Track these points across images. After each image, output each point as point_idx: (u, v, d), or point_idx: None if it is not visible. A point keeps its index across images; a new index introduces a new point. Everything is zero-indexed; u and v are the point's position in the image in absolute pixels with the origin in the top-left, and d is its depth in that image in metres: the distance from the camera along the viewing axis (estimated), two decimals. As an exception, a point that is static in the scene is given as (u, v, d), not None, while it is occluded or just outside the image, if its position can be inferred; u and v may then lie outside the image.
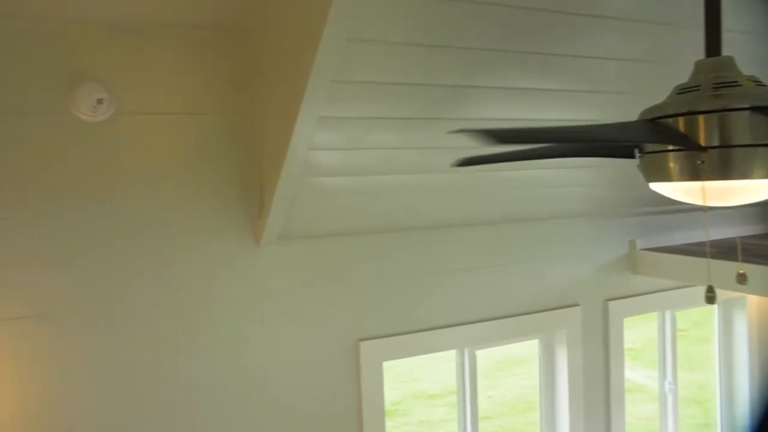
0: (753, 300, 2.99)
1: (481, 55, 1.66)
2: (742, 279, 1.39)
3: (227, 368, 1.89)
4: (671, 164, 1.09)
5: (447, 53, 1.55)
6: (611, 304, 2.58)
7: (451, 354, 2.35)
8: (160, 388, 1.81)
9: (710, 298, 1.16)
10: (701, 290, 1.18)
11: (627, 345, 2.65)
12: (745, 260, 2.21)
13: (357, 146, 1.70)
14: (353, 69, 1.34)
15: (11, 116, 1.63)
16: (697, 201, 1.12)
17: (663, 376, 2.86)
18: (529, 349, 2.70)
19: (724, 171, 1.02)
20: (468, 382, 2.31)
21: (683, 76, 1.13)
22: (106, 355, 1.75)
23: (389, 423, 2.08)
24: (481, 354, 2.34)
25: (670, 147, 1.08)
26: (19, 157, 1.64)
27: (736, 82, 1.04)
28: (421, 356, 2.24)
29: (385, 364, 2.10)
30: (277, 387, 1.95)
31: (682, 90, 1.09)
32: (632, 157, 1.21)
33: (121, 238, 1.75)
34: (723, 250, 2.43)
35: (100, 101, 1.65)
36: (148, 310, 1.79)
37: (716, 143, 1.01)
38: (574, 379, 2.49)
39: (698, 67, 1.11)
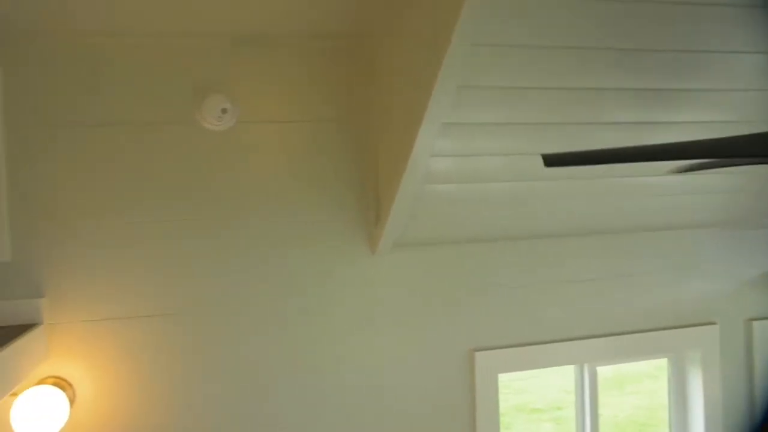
0: None
1: (610, 56, 1.58)
2: None
3: (339, 373, 1.92)
4: None
5: (575, 54, 1.48)
6: (756, 324, 2.36)
7: (558, 368, 2.26)
8: (271, 390, 1.88)
9: None
10: None
11: (773, 369, 2.42)
12: None
13: (476, 152, 1.67)
14: (478, 73, 1.32)
15: (147, 127, 1.77)
16: None
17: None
18: (644, 366, 2.53)
19: None
20: (588, 400, 2.20)
21: None
22: (223, 354, 1.84)
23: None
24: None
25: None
26: (153, 164, 1.78)
27: None
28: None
29: (501, 376, 2.05)
30: (389, 394, 1.96)
31: None
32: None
33: (242, 242, 1.84)
34: None
35: (224, 111, 1.74)
36: (265, 313, 1.86)
37: None
38: (711, 404, 2.29)
39: None
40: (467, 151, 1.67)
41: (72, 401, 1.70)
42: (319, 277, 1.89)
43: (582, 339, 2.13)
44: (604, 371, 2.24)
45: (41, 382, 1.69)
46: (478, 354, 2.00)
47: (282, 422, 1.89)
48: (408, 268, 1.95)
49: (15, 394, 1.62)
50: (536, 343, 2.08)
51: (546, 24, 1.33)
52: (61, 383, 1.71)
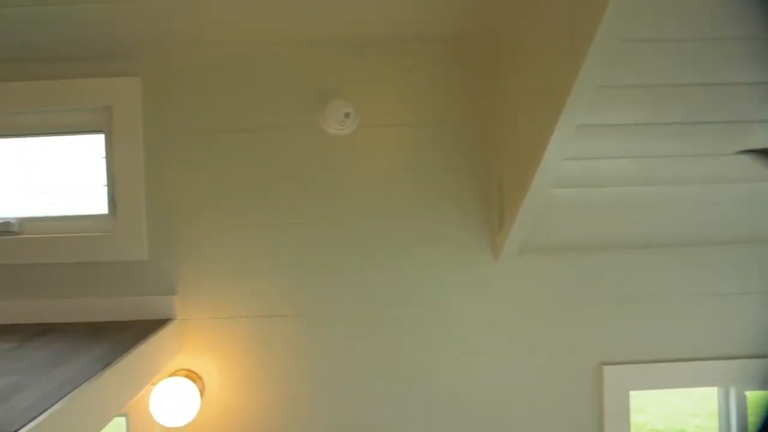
0: None
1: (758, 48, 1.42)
2: None
3: (459, 380, 1.90)
4: None
5: (728, 47, 1.35)
6: None
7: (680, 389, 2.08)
8: (387, 396, 1.89)
9: None
10: None
11: None
12: None
13: (609, 155, 1.57)
14: (620, 72, 1.24)
15: (274, 132, 1.85)
16: None
17: None
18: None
19: None
20: (735, 428, 2.01)
21: None
22: (341, 356, 1.88)
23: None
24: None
25: None
26: (280, 168, 1.86)
27: None
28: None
29: (632, 393, 1.92)
30: (509, 408, 1.91)
31: None
32: None
33: (364, 246, 1.87)
34: None
35: (346, 115, 1.77)
36: (385, 317, 1.88)
37: None
38: None
39: None
40: (599, 153, 1.58)
41: (202, 392, 1.81)
42: (440, 282, 1.88)
43: (729, 359, 1.95)
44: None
45: (174, 373, 1.82)
46: (607, 368, 1.89)
47: (393, 429, 1.90)
48: (532, 276, 1.88)
49: (152, 384, 1.75)
50: (674, 359, 1.94)
51: (699, 15, 1.22)
52: (192, 375, 1.83)
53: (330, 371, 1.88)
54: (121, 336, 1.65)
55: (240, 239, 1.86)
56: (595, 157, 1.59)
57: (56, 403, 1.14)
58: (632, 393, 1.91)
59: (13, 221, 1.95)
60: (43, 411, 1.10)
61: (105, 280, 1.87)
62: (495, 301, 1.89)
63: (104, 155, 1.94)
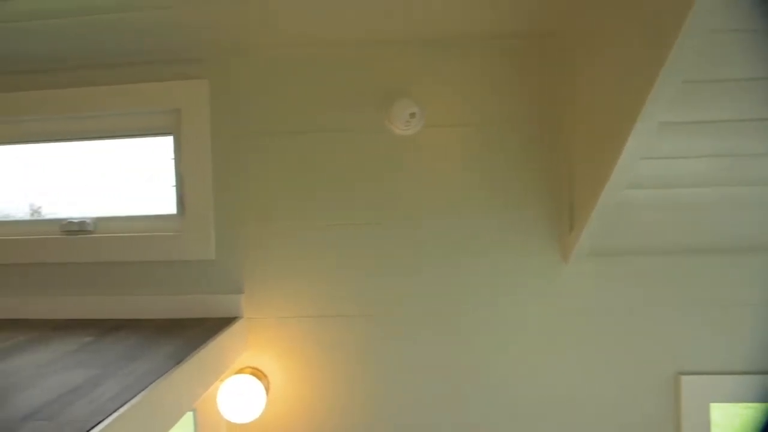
0: None
1: None
2: None
3: (524, 390, 1.87)
4: None
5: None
6: None
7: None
8: (452, 400, 1.88)
9: None
10: None
11: None
12: None
13: (690, 154, 1.52)
14: (708, 65, 1.20)
15: (340, 133, 1.87)
16: None
17: None
18: None
19: None
20: (825, 444, 1.90)
21: None
22: (407, 357, 1.88)
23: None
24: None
25: None
26: (345, 168, 1.88)
27: None
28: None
29: (713, 406, 1.85)
30: (579, 415, 1.86)
31: None
32: None
33: (429, 247, 1.87)
34: None
35: (412, 115, 1.78)
36: (451, 319, 1.87)
37: None
38: None
39: None
40: (678, 152, 1.53)
41: (267, 390, 1.85)
42: (507, 285, 1.86)
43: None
44: None
45: (240, 371, 1.87)
46: (685, 378, 1.82)
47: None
48: (604, 280, 1.83)
49: (219, 381, 1.81)
50: (758, 372, 1.85)
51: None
52: (258, 373, 1.87)
53: (394, 373, 1.89)
54: (191, 333, 1.71)
55: (305, 239, 1.89)
56: (674, 157, 1.54)
57: (135, 396, 1.19)
58: (713, 405, 1.84)
59: (88, 221, 2.05)
60: (124, 403, 1.15)
61: (175, 279, 1.94)
62: (564, 306, 1.85)
63: (173, 157, 2.02)
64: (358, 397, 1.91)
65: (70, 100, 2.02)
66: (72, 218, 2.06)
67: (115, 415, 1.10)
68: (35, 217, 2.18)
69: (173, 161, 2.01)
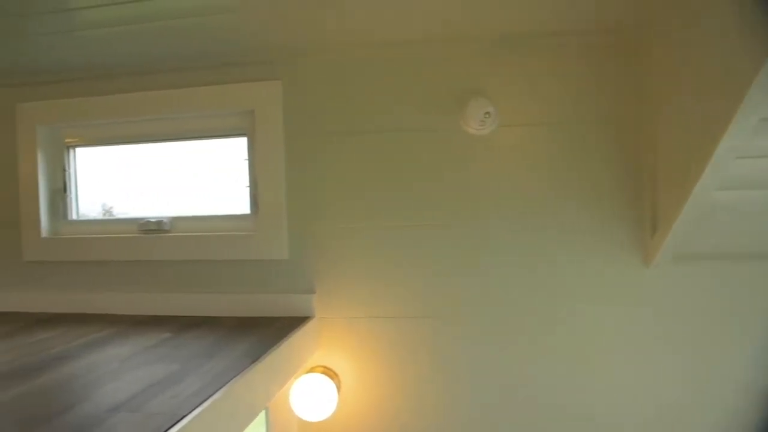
0: None
1: None
2: None
3: (599, 397, 1.81)
4: None
5: None
6: None
7: None
8: (522, 402, 1.84)
9: None
10: None
11: None
12: None
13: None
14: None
15: (411, 133, 1.87)
16: None
17: None
18: None
19: None
20: None
21: None
22: (476, 360, 1.86)
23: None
24: None
25: None
26: (417, 169, 1.87)
27: None
28: None
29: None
30: (656, 422, 1.79)
31: None
32: None
33: (501, 248, 1.84)
34: None
35: (487, 114, 1.75)
36: (523, 321, 1.83)
37: None
38: None
39: None
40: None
41: (338, 389, 1.86)
42: (583, 288, 1.80)
43: None
44: None
45: (311, 370, 1.89)
46: (776, 391, 1.72)
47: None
48: (690, 285, 1.75)
49: (292, 380, 1.83)
50: None
51: None
52: (329, 372, 1.89)
53: (463, 374, 1.87)
54: (264, 332, 1.74)
55: (376, 240, 1.90)
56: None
57: (216, 392, 1.22)
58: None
59: (165, 220, 2.13)
60: (206, 399, 1.18)
61: (248, 278, 1.99)
62: (645, 312, 1.78)
63: (247, 157, 2.06)
64: (426, 398, 1.90)
65: (148, 104, 2.10)
66: (149, 218, 2.14)
67: (198, 410, 1.13)
68: (107, 217, 2.28)
69: (247, 162, 2.05)
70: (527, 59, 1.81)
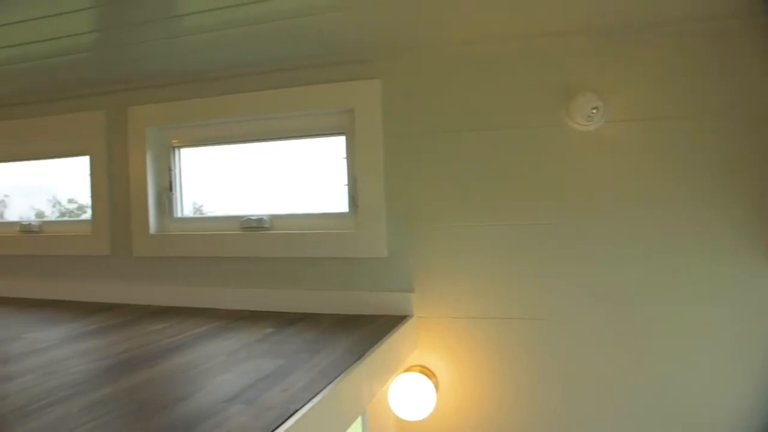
0: None
1: None
2: None
3: (711, 403, 1.70)
4: None
5: None
6: None
7: None
8: (631, 411, 1.76)
9: None
10: None
11: None
12: None
13: None
14: None
15: (513, 130, 1.83)
16: None
17: None
18: None
19: None
20: None
21: None
22: (579, 364, 1.79)
23: None
24: None
25: None
26: (518, 167, 1.84)
27: None
28: None
29: None
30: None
31: None
32: None
33: (606, 249, 1.77)
34: None
35: (595, 109, 1.69)
36: (634, 326, 1.75)
37: None
38: None
39: None
40: None
41: (436, 389, 1.85)
42: (700, 293, 1.69)
43: None
44: None
45: (409, 369, 1.89)
46: None
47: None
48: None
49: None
50: None
51: None
52: (426, 372, 1.88)
53: (567, 379, 1.81)
54: (365, 329, 1.76)
55: (478, 239, 1.87)
56: None
57: (325, 388, 1.24)
58: None
59: (265, 218, 2.19)
60: (316, 394, 1.20)
61: (348, 275, 2.02)
62: (760, 313, 1.65)
63: (345, 156, 2.08)
64: (528, 403, 1.85)
65: (249, 105, 2.17)
66: (250, 216, 2.21)
67: (309, 405, 1.15)
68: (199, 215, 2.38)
69: (345, 161, 2.08)
70: (641, 50, 1.72)
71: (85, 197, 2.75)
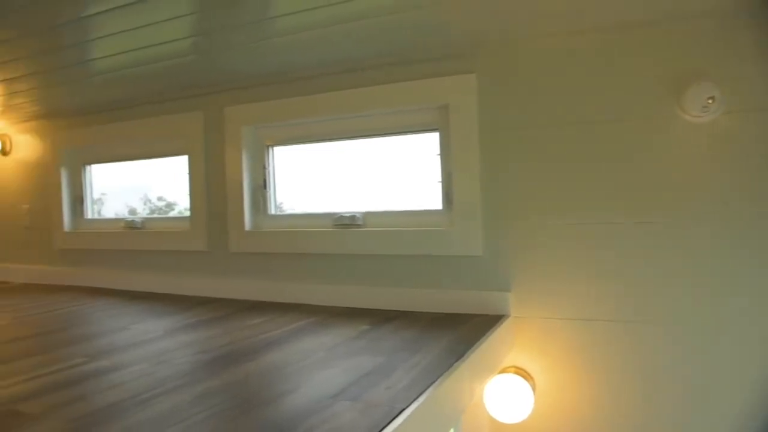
0: None
1: None
2: None
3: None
4: None
5: None
6: None
7: None
8: (736, 420, 1.63)
9: None
10: None
11: None
12: None
13: None
14: None
15: (618, 124, 1.75)
16: None
17: None
18: None
19: None
20: None
21: None
22: (700, 371, 1.68)
23: None
24: None
25: None
26: (622, 162, 1.75)
27: None
28: None
29: None
30: None
31: None
32: None
33: (725, 249, 1.64)
34: None
35: (711, 99, 1.58)
36: (757, 334, 1.63)
37: None
38: None
39: None
40: None
41: (533, 391, 1.80)
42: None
43: None
44: None
45: (504, 370, 1.84)
46: None
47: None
48: None
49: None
50: None
51: None
52: (522, 373, 1.83)
53: (675, 388, 1.70)
54: (462, 329, 1.73)
55: (578, 238, 1.80)
56: None
57: (429, 387, 1.22)
58: None
59: (358, 215, 2.20)
60: (420, 394, 1.19)
61: (441, 273, 2.00)
62: None
63: (438, 152, 2.06)
64: (632, 413, 1.75)
65: (341, 103, 2.19)
66: (343, 213, 2.23)
67: (415, 405, 1.13)
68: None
69: (439, 157, 2.06)
70: (764, 34, 1.60)
71: (172, 195, 2.90)
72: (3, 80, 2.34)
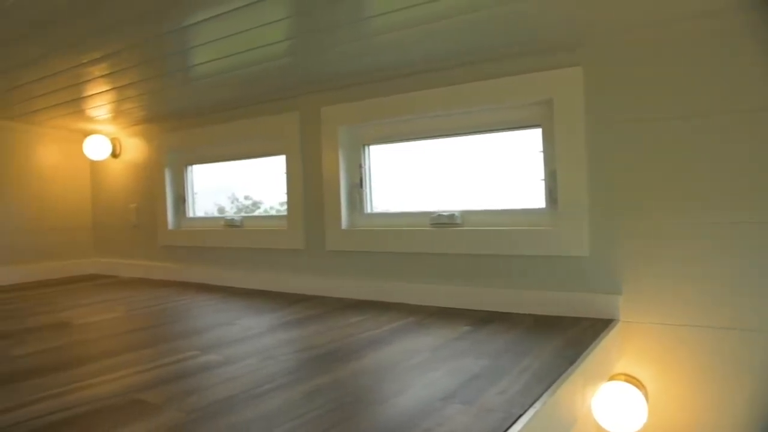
0: None
1: None
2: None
3: None
4: None
5: None
6: None
7: None
8: None
9: None
10: None
11: None
12: None
13: None
14: None
15: (736, 116, 1.62)
16: None
17: None
18: None
19: None
20: None
21: None
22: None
23: None
24: None
25: None
26: (741, 157, 1.61)
27: None
28: None
29: None
30: None
31: None
32: None
33: None
34: None
35: None
36: None
37: None
38: None
39: None
40: None
41: (646, 401, 1.70)
42: None
43: None
44: None
45: (613, 378, 1.76)
46: None
47: None
48: None
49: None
50: None
51: None
52: (633, 381, 1.74)
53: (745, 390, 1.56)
54: (570, 332, 1.67)
55: (695, 239, 1.68)
56: None
57: (544, 393, 1.18)
58: None
59: (456, 214, 2.16)
60: (536, 399, 1.14)
61: (543, 274, 1.93)
62: None
63: (541, 149, 1.99)
64: (749, 424, 1.62)
65: (439, 100, 2.16)
66: (441, 211, 2.20)
67: (532, 410, 1.09)
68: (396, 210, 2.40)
69: (542, 154, 1.99)
70: None
71: (258, 194, 2.98)
72: (114, 88, 2.47)
